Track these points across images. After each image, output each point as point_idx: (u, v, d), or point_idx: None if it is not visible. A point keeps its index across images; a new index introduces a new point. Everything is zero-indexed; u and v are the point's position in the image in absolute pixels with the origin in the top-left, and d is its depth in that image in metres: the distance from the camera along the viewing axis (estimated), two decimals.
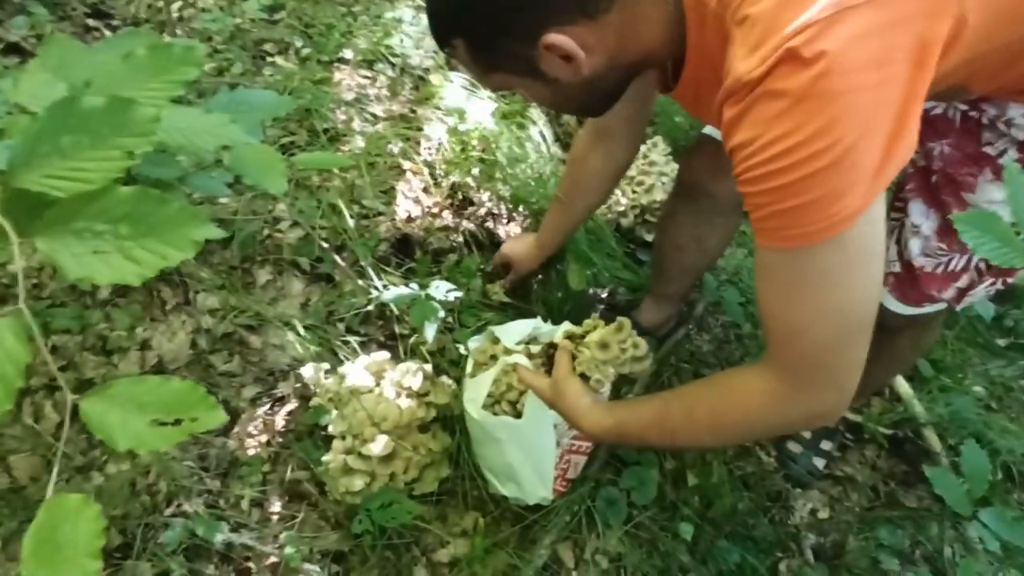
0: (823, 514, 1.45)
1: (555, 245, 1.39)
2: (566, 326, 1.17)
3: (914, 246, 0.98)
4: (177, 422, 0.37)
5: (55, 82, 0.58)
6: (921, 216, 0.97)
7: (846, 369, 0.68)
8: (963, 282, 0.98)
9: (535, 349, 1.13)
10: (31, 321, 0.38)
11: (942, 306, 1.03)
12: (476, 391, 1.15)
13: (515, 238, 1.47)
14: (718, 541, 1.32)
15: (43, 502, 0.33)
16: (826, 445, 1.51)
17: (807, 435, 1.51)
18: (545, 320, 1.31)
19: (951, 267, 0.97)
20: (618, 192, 1.64)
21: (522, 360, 1.11)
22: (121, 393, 0.37)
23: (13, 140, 0.53)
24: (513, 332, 1.21)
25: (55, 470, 0.41)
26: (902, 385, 1.58)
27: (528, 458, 1.16)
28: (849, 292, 0.64)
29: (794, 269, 0.64)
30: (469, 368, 1.20)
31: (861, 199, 0.59)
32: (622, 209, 1.63)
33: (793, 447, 1.51)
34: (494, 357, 1.20)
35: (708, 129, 1.20)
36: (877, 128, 0.57)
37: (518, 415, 1.12)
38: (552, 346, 1.06)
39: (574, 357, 0.99)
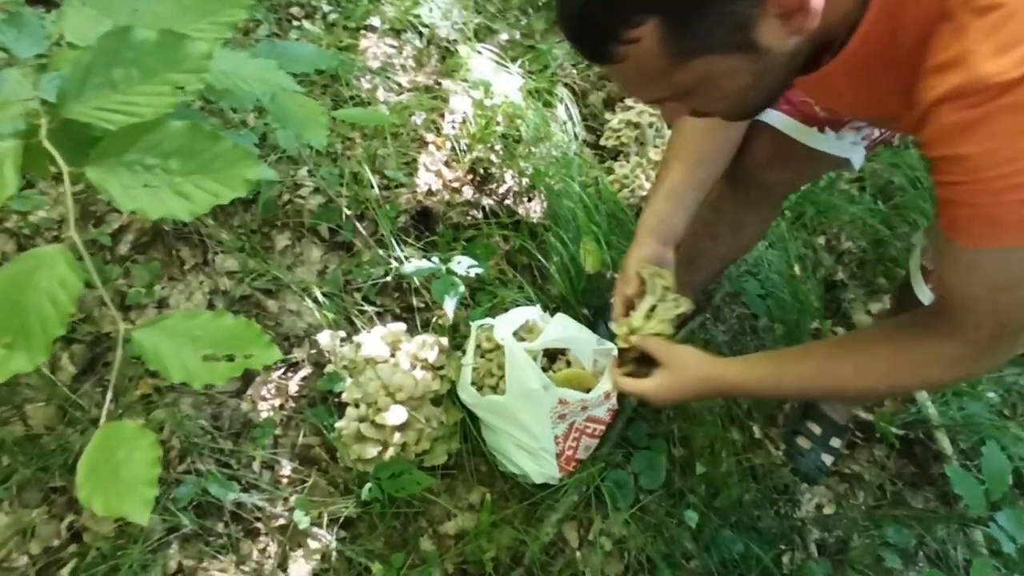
0: (829, 510, 1.45)
1: (680, 234, 1.06)
2: (561, 320, 1.22)
3: None
4: (230, 358, 0.36)
5: (100, 18, 0.57)
6: None
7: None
8: None
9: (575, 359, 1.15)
10: (82, 248, 0.37)
11: None
12: (464, 375, 1.20)
13: (634, 253, 1.03)
14: (723, 530, 1.32)
15: (97, 428, 0.33)
16: (835, 442, 1.51)
17: (817, 431, 1.51)
18: (546, 309, 1.32)
19: None
20: (641, 176, 1.62)
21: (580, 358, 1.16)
22: (174, 326, 0.37)
23: (61, 72, 0.53)
24: (510, 321, 1.23)
25: (108, 396, 0.40)
26: None
27: (525, 435, 1.17)
28: None
29: (1007, 267, 0.65)
30: (469, 353, 1.21)
31: None
32: (644, 194, 1.61)
33: (803, 442, 1.50)
34: (499, 346, 1.22)
35: (770, 117, 1.09)
36: None
37: None
38: (624, 350, 1.00)
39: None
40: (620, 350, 1.01)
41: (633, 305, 1.01)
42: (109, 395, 0.40)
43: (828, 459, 1.49)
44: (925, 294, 1.06)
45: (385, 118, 1.26)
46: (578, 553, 1.25)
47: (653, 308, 0.98)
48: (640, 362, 1.00)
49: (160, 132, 0.43)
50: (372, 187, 1.42)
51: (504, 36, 1.83)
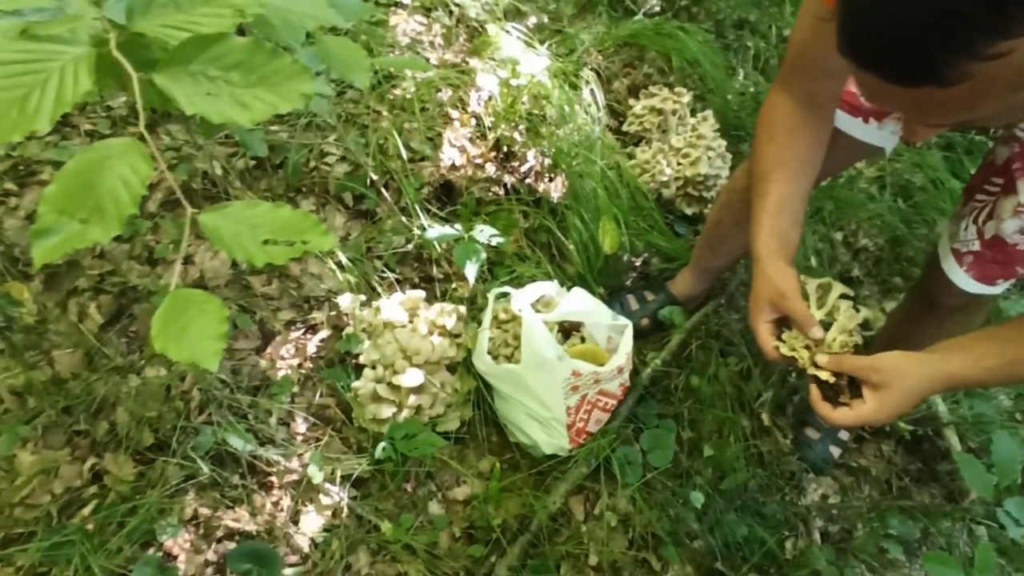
0: (834, 500, 1.46)
1: (797, 249, 0.96)
2: (578, 294, 1.21)
3: (1011, 225, 0.99)
4: (289, 244, 0.38)
5: None
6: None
7: None
8: None
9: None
10: (151, 144, 0.40)
11: (1004, 287, 1.05)
12: (480, 344, 1.21)
13: (761, 286, 0.90)
14: (727, 513, 1.33)
15: (166, 293, 0.35)
16: (843, 435, 1.51)
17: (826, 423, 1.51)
18: (562, 284, 1.33)
19: None
20: (662, 162, 1.63)
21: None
22: (236, 213, 0.39)
23: None
24: (528, 293, 1.25)
25: (180, 256, 0.43)
26: None
27: (537, 404, 1.19)
28: None
29: None
30: (486, 322, 1.23)
31: None
32: (665, 179, 1.63)
33: (811, 433, 1.51)
34: (515, 318, 1.23)
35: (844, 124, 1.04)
36: None
37: None
38: (819, 381, 0.85)
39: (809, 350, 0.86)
40: (818, 381, 0.85)
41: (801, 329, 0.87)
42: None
43: (835, 451, 1.50)
44: (958, 275, 1.08)
45: (424, 65, 1.27)
46: (584, 526, 1.26)
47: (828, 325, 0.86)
48: (837, 380, 0.85)
49: (223, 46, 0.45)
50: (398, 158, 1.44)
51: (533, 19, 1.85)
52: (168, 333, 0.34)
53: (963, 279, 1.09)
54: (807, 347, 0.86)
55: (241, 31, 0.55)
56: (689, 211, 1.65)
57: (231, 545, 1.12)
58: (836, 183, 1.86)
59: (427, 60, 1.67)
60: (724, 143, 1.65)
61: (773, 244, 0.91)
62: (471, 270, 1.17)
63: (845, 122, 1.05)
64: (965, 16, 0.46)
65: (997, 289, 1.08)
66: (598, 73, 1.79)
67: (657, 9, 2.01)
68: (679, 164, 1.61)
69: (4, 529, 1.07)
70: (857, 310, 0.89)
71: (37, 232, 0.34)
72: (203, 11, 0.47)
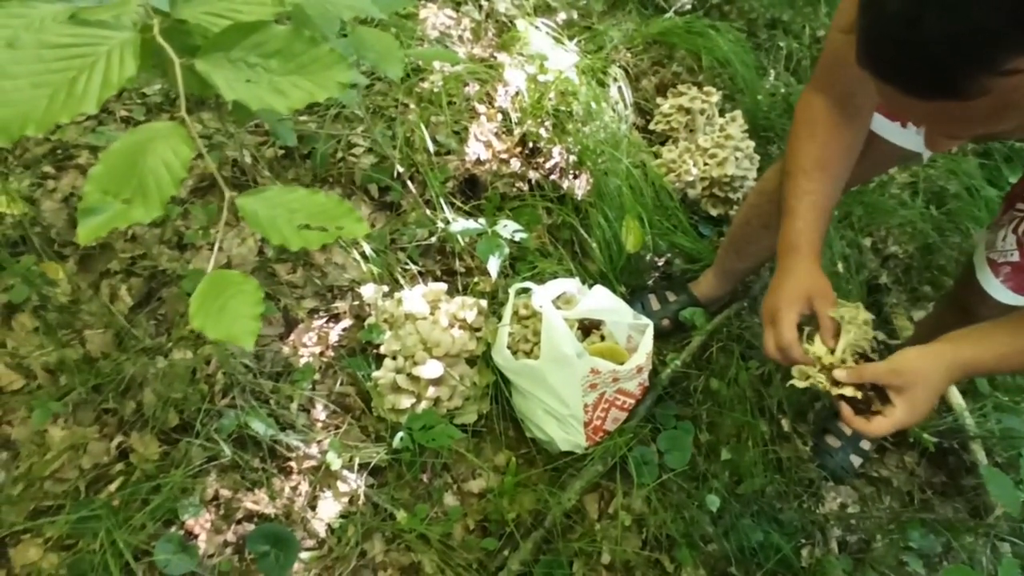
0: (853, 510, 1.43)
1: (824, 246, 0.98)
2: (600, 292, 1.20)
3: None
4: (323, 229, 0.39)
5: None
6: None
7: None
8: None
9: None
10: (192, 128, 0.41)
11: None
12: (500, 338, 1.21)
13: (803, 279, 0.89)
14: (743, 518, 1.32)
15: (204, 275, 0.36)
16: (865, 444, 1.49)
17: (847, 432, 1.49)
18: (583, 282, 1.33)
19: None
20: (689, 161, 1.61)
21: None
22: (273, 197, 0.40)
23: None
24: (549, 290, 1.25)
25: (219, 238, 0.44)
26: (955, 396, 1.54)
27: (555, 401, 1.19)
28: None
29: None
30: (506, 317, 1.23)
31: None
32: (691, 179, 1.61)
33: (832, 441, 1.49)
34: (535, 314, 1.23)
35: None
36: None
37: None
38: (844, 398, 0.85)
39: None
40: (844, 398, 0.84)
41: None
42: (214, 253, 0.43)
43: (856, 460, 1.47)
44: (994, 286, 1.07)
45: (455, 57, 1.28)
46: (597, 524, 1.26)
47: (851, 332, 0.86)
48: (864, 392, 0.84)
49: (263, 33, 0.45)
50: (424, 151, 1.45)
51: (562, 15, 1.84)
52: (207, 311, 0.35)
53: (999, 290, 1.07)
54: (821, 370, 0.86)
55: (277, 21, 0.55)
56: (714, 212, 1.64)
57: (250, 527, 1.15)
58: (867, 188, 1.82)
59: (455, 53, 1.68)
60: (753, 144, 1.63)
61: (817, 243, 0.91)
62: (493, 264, 1.18)
63: (882, 126, 1.03)
64: (988, 32, 0.47)
65: None
66: (626, 71, 1.78)
67: (688, 7, 1.99)
68: (706, 164, 1.60)
69: (35, 501, 1.10)
70: (872, 327, 0.88)
71: (84, 211, 0.35)
72: None
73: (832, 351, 0.86)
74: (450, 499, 1.24)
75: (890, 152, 1.04)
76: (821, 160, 0.91)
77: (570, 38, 1.75)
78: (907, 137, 1.03)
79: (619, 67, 1.75)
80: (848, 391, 0.83)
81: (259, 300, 0.36)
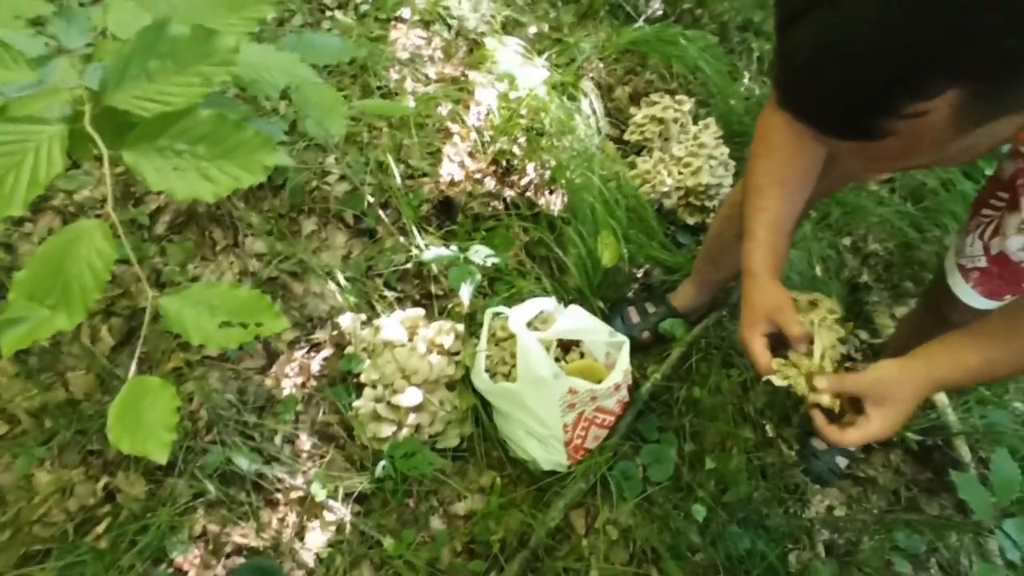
0: (839, 512, 1.44)
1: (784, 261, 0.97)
2: (575, 311, 1.23)
3: (1015, 242, 0.97)
4: (243, 326, 0.40)
5: (140, 12, 0.61)
6: None
7: None
8: None
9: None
10: (118, 224, 0.42)
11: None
12: (478, 362, 1.22)
13: (759, 300, 0.90)
14: (730, 526, 1.33)
15: (124, 384, 0.37)
16: None
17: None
18: (562, 301, 1.34)
19: None
20: (663, 172, 1.62)
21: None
22: (195, 295, 0.41)
23: (103, 62, 0.57)
24: (525, 311, 1.25)
25: (136, 353, 0.45)
26: (938, 393, 1.55)
27: (535, 422, 1.20)
28: None
29: None
30: (483, 340, 1.24)
31: None
32: (666, 190, 1.62)
33: (817, 444, 1.50)
34: (512, 336, 1.24)
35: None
36: None
37: None
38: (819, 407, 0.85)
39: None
40: (819, 406, 0.84)
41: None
42: (137, 353, 0.44)
43: (843, 462, 1.48)
44: (965, 291, 1.07)
45: (406, 109, 1.29)
46: (584, 540, 1.28)
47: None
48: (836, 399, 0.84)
49: (189, 120, 0.46)
50: (396, 176, 1.45)
51: (532, 29, 1.84)
52: (124, 424, 0.36)
53: (970, 295, 1.07)
54: (802, 374, 0.86)
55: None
56: (691, 221, 1.64)
57: (239, 560, 1.16)
58: (843, 188, 1.83)
59: (426, 75, 1.68)
60: (727, 151, 1.64)
61: (772, 261, 0.92)
62: (466, 292, 1.19)
63: None
64: (885, 80, 0.49)
65: (1002, 304, 1.06)
66: (598, 84, 1.78)
67: (660, 13, 1.99)
68: (680, 174, 1.60)
69: (24, 546, 1.11)
70: (842, 323, 0.89)
71: (6, 321, 0.36)
72: (174, 80, 0.49)
73: (810, 356, 0.86)
74: (436, 522, 1.25)
75: (848, 168, 1.05)
76: (777, 177, 0.93)
77: (540, 52, 1.75)
78: None
79: (590, 79, 1.75)
80: (825, 399, 0.83)
81: (174, 409, 0.37)
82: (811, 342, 0.87)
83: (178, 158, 0.45)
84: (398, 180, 1.41)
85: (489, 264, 1.23)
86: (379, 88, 1.59)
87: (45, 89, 0.51)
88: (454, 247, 1.26)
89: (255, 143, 0.45)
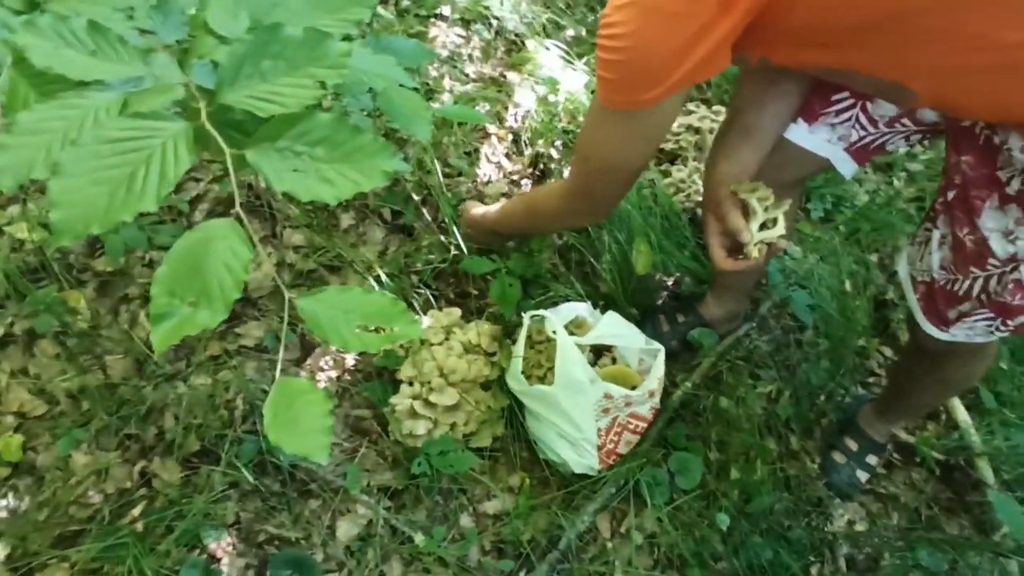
0: (861, 527, 1.46)
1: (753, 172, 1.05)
2: (612, 318, 1.27)
3: (935, 258, 0.97)
4: (377, 330, 0.41)
5: (238, 10, 0.62)
6: (945, 228, 0.96)
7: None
8: (965, 306, 0.97)
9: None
10: (248, 226, 0.42)
11: (978, 340, 1.01)
12: (515, 364, 1.23)
13: (705, 201, 1.07)
14: (752, 536, 1.34)
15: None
16: (872, 460, 1.51)
17: (853, 447, 1.51)
18: (595, 306, 1.35)
19: (955, 288, 0.96)
20: (698, 182, 1.63)
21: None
22: (329, 298, 0.41)
23: (206, 58, 0.58)
24: (561, 314, 1.27)
25: (281, 349, 0.45)
26: (960, 412, 1.56)
27: (569, 425, 1.21)
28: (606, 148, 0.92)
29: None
30: (520, 343, 1.25)
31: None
32: (700, 199, 1.62)
33: (838, 457, 1.51)
34: (549, 339, 1.26)
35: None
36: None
37: None
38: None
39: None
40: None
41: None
42: (282, 347, 0.45)
43: (863, 476, 1.49)
44: (929, 327, 1.04)
45: (483, 117, 1.32)
46: (609, 544, 1.29)
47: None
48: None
49: (309, 123, 0.47)
50: (435, 174, 1.46)
51: (570, 32, 1.85)
52: (280, 424, 0.37)
53: (924, 323, 1.05)
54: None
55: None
56: None
57: (271, 550, 1.17)
58: (873, 204, 1.84)
59: (466, 73, 1.69)
60: None
61: (725, 166, 1.01)
62: (507, 307, 1.20)
63: (790, 129, 1.04)
64: None
65: (960, 338, 1.02)
66: None
67: None
68: None
69: (60, 527, 1.12)
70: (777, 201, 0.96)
71: (156, 316, 0.37)
72: (286, 81, 0.50)
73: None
74: (466, 520, 1.26)
75: (796, 155, 1.04)
76: (754, 97, 1.02)
77: (579, 56, 1.76)
78: (801, 134, 1.03)
79: None
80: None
81: (328, 412, 0.38)
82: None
83: (297, 159, 0.46)
84: (440, 177, 1.42)
85: (529, 275, 1.24)
86: (424, 85, 1.60)
87: (160, 85, 0.51)
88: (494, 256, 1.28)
89: (373, 148, 0.46)
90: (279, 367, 0.41)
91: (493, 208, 1.31)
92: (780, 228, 0.93)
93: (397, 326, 0.41)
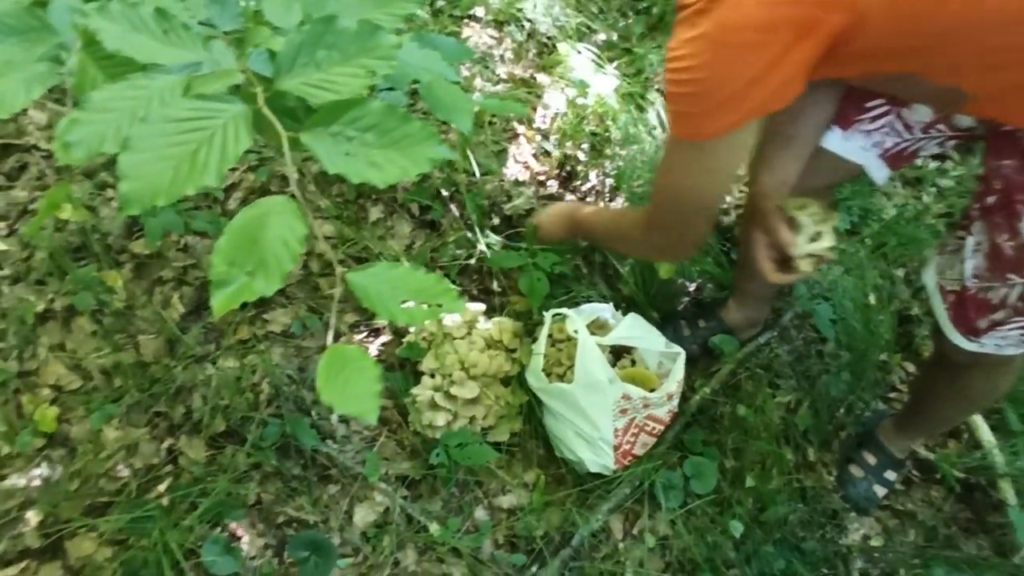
0: (876, 543, 1.44)
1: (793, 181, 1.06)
2: (634, 319, 1.29)
3: (968, 266, 0.96)
4: (425, 306, 0.43)
5: (292, 2, 0.65)
6: (981, 234, 0.94)
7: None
8: (999, 315, 0.95)
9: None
10: (303, 203, 0.45)
11: (1009, 351, 0.99)
12: (535, 361, 1.24)
13: (766, 181, 1.05)
14: (765, 545, 1.34)
15: (324, 349, 0.40)
16: (890, 475, 1.49)
17: (872, 462, 1.50)
18: (617, 308, 1.36)
19: (989, 296, 0.95)
20: None
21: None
22: (378, 274, 0.43)
23: (262, 47, 0.60)
24: (584, 314, 1.28)
25: (332, 318, 0.48)
26: (984, 432, 1.54)
27: (586, 424, 1.22)
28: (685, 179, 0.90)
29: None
30: (541, 341, 1.26)
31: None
32: (724, 206, 1.63)
33: (855, 471, 1.50)
34: (570, 338, 1.27)
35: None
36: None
37: None
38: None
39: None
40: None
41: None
42: (333, 319, 0.47)
43: (880, 491, 1.48)
44: (957, 337, 1.02)
45: (523, 109, 1.34)
46: (621, 544, 1.29)
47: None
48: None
49: (360, 109, 0.49)
50: (463, 172, 1.49)
51: (602, 36, 1.86)
52: (332, 387, 0.39)
53: (952, 332, 1.03)
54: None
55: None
56: None
57: (290, 531, 1.20)
58: (901, 218, 1.82)
59: (497, 74, 1.71)
60: None
61: (767, 178, 1.03)
62: (535, 299, 1.22)
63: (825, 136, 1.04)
64: None
65: (989, 350, 1.00)
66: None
67: None
68: (740, 191, 1.61)
69: (90, 497, 1.16)
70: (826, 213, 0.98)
71: (216, 283, 0.40)
72: (339, 71, 0.52)
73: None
74: (481, 513, 1.28)
75: (830, 161, 1.04)
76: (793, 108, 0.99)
77: (610, 60, 1.77)
78: (835, 141, 1.03)
79: (657, 91, 1.77)
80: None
81: (377, 377, 0.40)
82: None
83: (348, 143, 0.48)
84: (477, 174, 1.44)
85: (556, 271, 1.26)
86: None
87: (221, 70, 0.54)
88: (522, 248, 1.29)
89: (421, 135, 0.48)
90: (330, 335, 0.43)
91: (586, 208, 1.31)
92: (828, 240, 0.93)
93: (443, 302, 0.43)
